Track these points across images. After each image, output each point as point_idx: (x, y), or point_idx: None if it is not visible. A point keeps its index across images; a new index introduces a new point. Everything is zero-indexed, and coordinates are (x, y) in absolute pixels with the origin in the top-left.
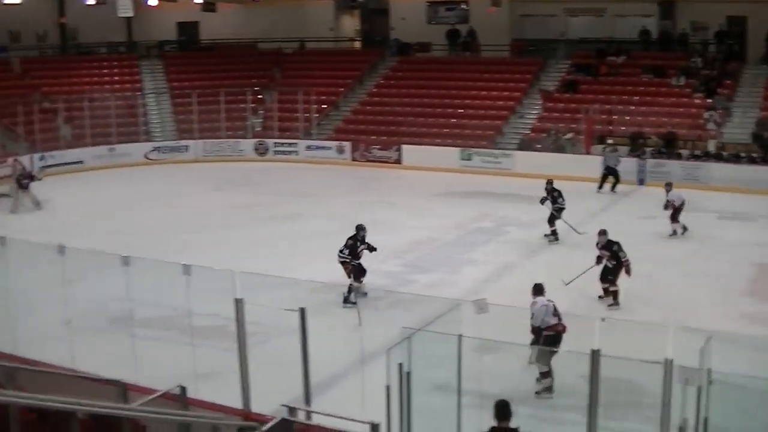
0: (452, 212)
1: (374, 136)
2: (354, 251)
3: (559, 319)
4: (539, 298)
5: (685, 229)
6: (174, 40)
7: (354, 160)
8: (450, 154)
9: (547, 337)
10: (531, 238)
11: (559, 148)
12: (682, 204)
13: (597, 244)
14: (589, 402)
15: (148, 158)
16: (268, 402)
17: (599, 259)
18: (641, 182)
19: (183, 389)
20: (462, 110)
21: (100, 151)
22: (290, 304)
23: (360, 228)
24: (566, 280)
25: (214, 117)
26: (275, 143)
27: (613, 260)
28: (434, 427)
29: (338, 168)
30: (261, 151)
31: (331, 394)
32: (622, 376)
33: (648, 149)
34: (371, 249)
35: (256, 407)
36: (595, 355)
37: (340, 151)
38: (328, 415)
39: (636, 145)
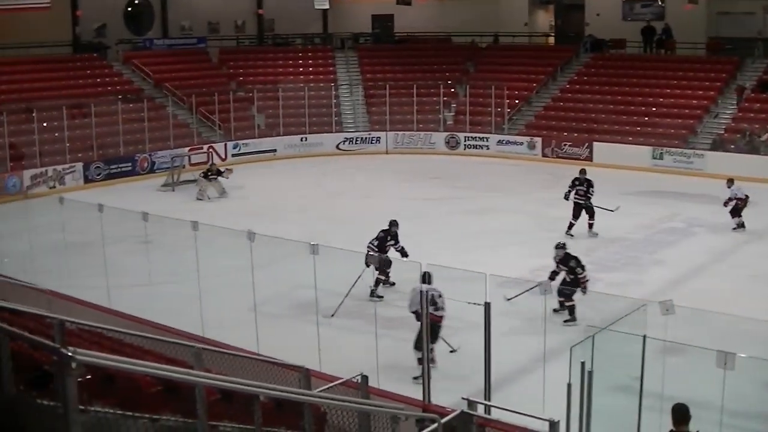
0: (641, 211)
1: (565, 133)
2: (382, 245)
3: (436, 309)
4: (424, 285)
5: (743, 226)
6: (368, 33)
7: (544, 156)
8: (641, 152)
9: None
10: (721, 240)
11: (754, 150)
12: (746, 199)
13: (554, 257)
14: None
15: (339, 149)
16: (448, 394)
17: (554, 274)
18: None
19: (365, 378)
20: (655, 108)
21: (293, 140)
22: (476, 298)
23: (392, 223)
24: (509, 296)
25: (406, 109)
26: (466, 137)
27: (571, 275)
28: (613, 427)
29: (528, 164)
30: (452, 144)
31: (511, 390)
32: None
33: None
34: (404, 254)
35: (435, 399)
36: None
37: (531, 146)
38: (508, 410)
39: None
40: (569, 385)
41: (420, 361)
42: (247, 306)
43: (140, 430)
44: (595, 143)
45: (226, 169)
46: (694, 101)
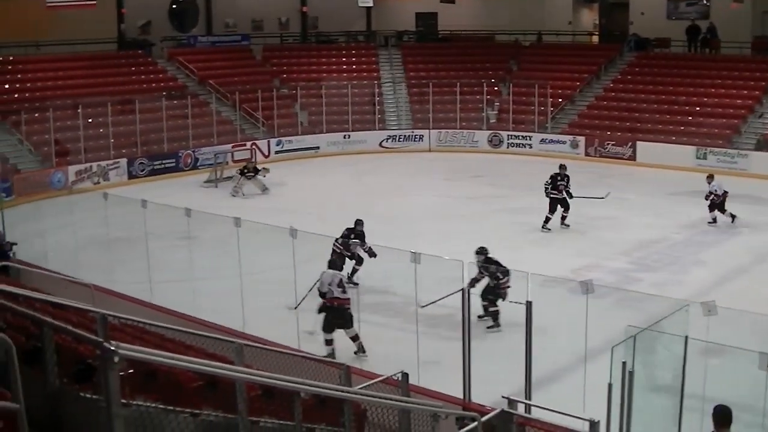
0: (684, 211)
1: (609, 132)
2: (346, 243)
3: (343, 292)
4: (332, 271)
5: (733, 217)
6: (412, 31)
7: (587, 155)
8: (685, 152)
9: (329, 308)
10: (763, 240)
11: None
12: (725, 195)
13: (476, 262)
14: None
15: (382, 146)
16: (488, 393)
17: (474, 281)
18: None
19: (405, 375)
20: (699, 108)
21: (336, 138)
22: (517, 297)
23: (357, 222)
24: (422, 303)
25: (450, 108)
26: (509, 135)
27: (494, 280)
28: (654, 428)
29: (572, 162)
30: (495, 143)
31: (551, 389)
32: None
33: None
34: (371, 254)
35: (476, 398)
36: None
37: (575, 145)
38: (548, 409)
39: None
40: (610, 385)
41: (328, 342)
42: (288, 302)
43: (181, 424)
44: (638, 143)
45: (263, 168)
46: (739, 101)
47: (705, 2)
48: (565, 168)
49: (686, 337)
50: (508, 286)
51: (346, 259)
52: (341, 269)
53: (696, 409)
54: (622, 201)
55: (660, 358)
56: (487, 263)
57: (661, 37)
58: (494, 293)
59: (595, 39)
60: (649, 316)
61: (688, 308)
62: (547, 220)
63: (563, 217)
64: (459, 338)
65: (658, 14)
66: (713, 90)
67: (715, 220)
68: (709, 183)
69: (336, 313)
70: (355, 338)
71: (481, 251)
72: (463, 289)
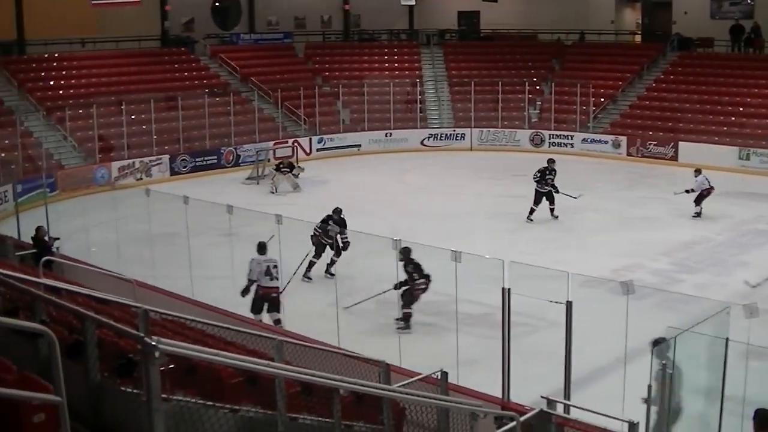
0: (727, 212)
1: (651, 132)
2: (324, 229)
3: (271, 279)
4: (261, 257)
5: (698, 214)
6: (454, 29)
7: (629, 155)
8: (728, 152)
9: (262, 296)
10: None
11: None
12: (709, 190)
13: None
14: None
15: (424, 145)
16: (526, 393)
17: (401, 284)
18: None
19: (445, 374)
20: (742, 108)
21: (377, 136)
22: (557, 296)
23: (335, 210)
24: (347, 304)
25: (491, 106)
26: (551, 135)
27: (411, 281)
28: (693, 430)
29: (613, 162)
30: (536, 142)
31: (590, 389)
32: None
33: None
34: (344, 247)
35: (514, 397)
36: None
37: (616, 145)
38: (587, 410)
39: None
40: (650, 387)
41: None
42: (329, 300)
43: (221, 420)
44: (680, 143)
45: (298, 166)
46: None
47: (749, 1)
48: (554, 162)
49: (727, 339)
50: (423, 289)
51: (327, 247)
52: (319, 256)
53: (736, 412)
54: (664, 201)
55: (701, 360)
56: (407, 264)
57: (705, 37)
58: (410, 295)
59: (638, 38)
60: (690, 318)
61: (729, 310)
62: (532, 211)
63: (551, 210)
64: (498, 337)
65: (701, 14)
66: (756, 90)
67: (699, 214)
68: (696, 177)
69: (264, 300)
70: (277, 322)
71: (405, 250)
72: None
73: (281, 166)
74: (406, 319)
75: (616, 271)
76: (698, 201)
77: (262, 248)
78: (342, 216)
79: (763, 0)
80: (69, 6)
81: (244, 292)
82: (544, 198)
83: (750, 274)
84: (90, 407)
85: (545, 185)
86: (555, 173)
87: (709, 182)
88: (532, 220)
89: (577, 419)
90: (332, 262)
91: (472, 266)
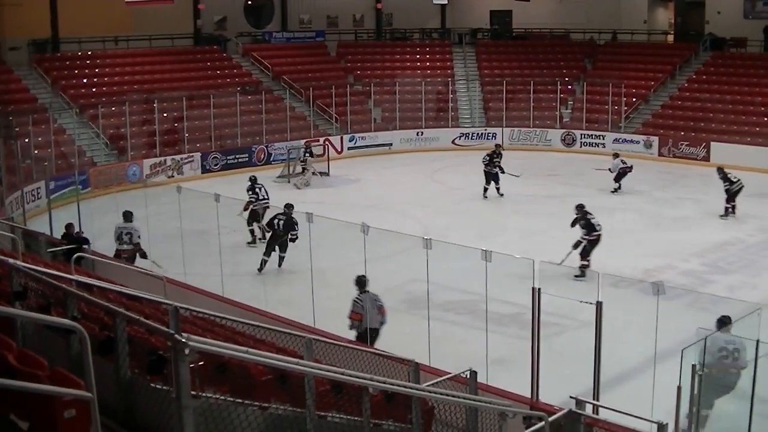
0: (759, 213)
1: (683, 132)
2: (271, 224)
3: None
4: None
5: (616, 190)
6: (487, 28)
7: (661, 155)
8: (761, 153)
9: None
10: None
11: None
12: (624, 168)
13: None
14: None
15: (455, 144)
16: (556, 393)
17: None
18: None
19: (474, 374)
20: None
21: (409, 134)
22: (589, 297)
23: (286, 206)
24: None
25: (523, 106)
26: (582, 134)
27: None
28: None
29: (645, 162)
30: (568, 141)
31: (620, 390)
32: None
33: None
34: (291, 239)
35: (543, 397)
36: None
37: (648, 145)
38: (616, 410)
39: None
40: (679, 388)
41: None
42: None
43: (250, 417)
44: (712, 143)
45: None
46: None
47: None
48: (501, 147)
49: (758, 341)
50: (595, 240)
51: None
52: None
53: (766, 413)
54: (696, 202)
55: (731, 362)
56: (581, 220)
57: (738, 37)
58: (584, 249)
59: (671, 38)
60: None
61: (760, 312)
62: (485, 190)
63: (497, 188)
64: (528, 337)
65: (734, 13)
66: None
67: (617, 190)
68: (613, 160)
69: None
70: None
71: (579, 208)
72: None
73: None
74: (583, 270)
75: (648, 271)
76: (618, 179)
77: (126, 216)
78: (292, 215)
79: None
80: (103, 4)
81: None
82: (492, 179)
83: None
84: (120, 403)
85: (493, 167)
86: (501, 156)
87: (624, 163)
88: (486, 197)
89: (606, 420)
90: (281, 259)
91: (502, 265)
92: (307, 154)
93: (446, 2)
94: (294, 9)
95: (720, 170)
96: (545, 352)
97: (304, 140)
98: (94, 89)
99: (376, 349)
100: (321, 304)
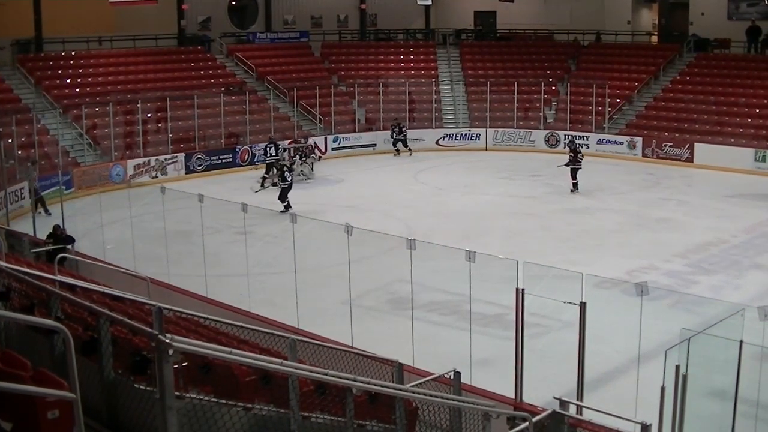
0: (742, 214)
1: (666, 133)
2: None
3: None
4: None
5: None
6: (471, 29)
7: (644, 156)
8: (743, 154)
9: None
10: None
11: None
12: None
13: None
14: None
15: (439, 144)
16: (539, 393)
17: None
18: None
19: (458, 374)
20: (758, 110)
21: None
22: (572, 297)
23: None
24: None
25: (507, 106)
26: (566, 135)
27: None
28: None
29: (628, 163)
30: (552, 142)
31: (604, 391)
32: None
33: None
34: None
35: (527, 398)
36: None
37: (632, 146)
38: (600, 411)
39: None
40: (663, 389)
41: None
42: (342, 299)
43: (234, 418)
44: (696, 144)
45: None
46: None
47: (766, 3)
48: (403, 120)
49: (741, 342)
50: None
51: None
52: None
53: (750, 414)
54: (680, 203)
55: (714, 363)
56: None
57: (722, 38)
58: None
59: (655, 39)
60: (705, 320)
61: (744, 312)
62: (398, 152)
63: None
64: (512, 338)
65: (718, 14)
66: None
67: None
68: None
69: None
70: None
71: (571, 145)
72: (518, 289)
73: (301, 156)
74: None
75: (631, 272)
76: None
77: None
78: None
79: None
80: (87, 4)
81: None
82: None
83: (766, 276)
84: (104, 404)
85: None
86: (402, 129)
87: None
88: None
89: (590, 420)
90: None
91: (486, 266)
92: (305, 157)
93: (430, 3)
94: (278, 9)
95: (572, 143)
96: (529, 352)
97: (289, 140)
98: (77, 89)
99: (360, 349)
100: (305, 305)
